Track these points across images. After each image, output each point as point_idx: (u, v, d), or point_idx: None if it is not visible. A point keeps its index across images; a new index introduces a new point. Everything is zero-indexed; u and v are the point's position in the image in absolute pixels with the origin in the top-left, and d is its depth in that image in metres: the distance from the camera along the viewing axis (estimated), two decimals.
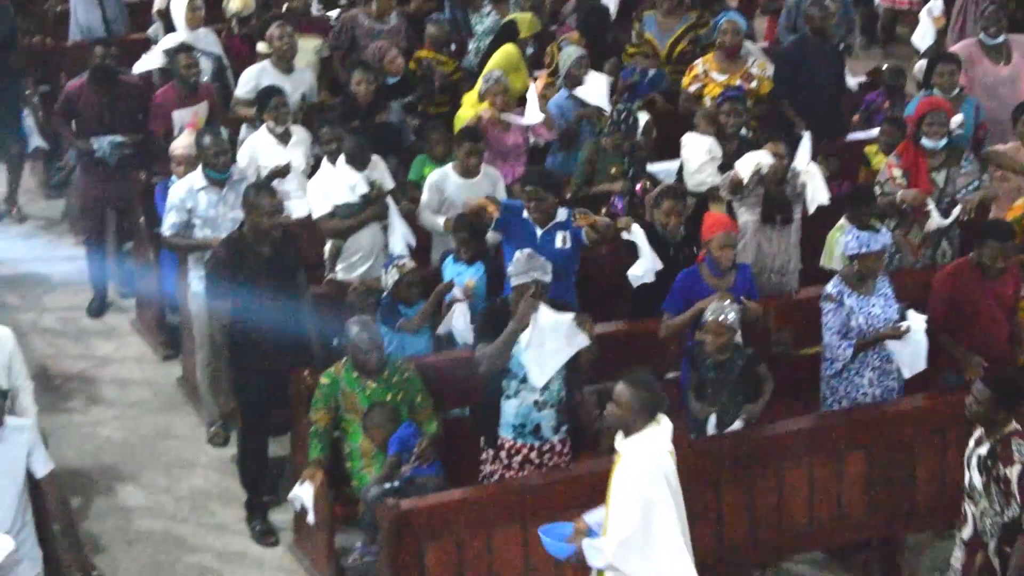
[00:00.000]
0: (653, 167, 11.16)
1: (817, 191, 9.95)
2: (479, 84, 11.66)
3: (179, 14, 12.38)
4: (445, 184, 10.24)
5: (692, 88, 12.04)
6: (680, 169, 10.98)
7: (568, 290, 9.31)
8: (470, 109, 11.68)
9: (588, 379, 8.62)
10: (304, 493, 8.49)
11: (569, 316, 8.16)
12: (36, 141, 12.87)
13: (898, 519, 8.86)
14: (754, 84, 12.01)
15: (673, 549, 7.00)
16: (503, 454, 8.33)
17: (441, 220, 10.16)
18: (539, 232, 9.33)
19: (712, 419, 8.52)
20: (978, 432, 7.62)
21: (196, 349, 10.13)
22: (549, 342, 8.08)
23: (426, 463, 8.50)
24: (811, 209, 9.99)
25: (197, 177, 9.82)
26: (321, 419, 8.53)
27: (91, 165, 11.55)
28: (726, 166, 10.32)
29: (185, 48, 11.74)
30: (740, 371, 8.56)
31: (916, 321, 8.80)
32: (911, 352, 8.87)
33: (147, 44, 12.98)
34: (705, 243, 9.04)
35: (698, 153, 10.78)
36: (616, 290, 9.91)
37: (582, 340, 8.19)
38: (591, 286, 9.90)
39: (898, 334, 8.79)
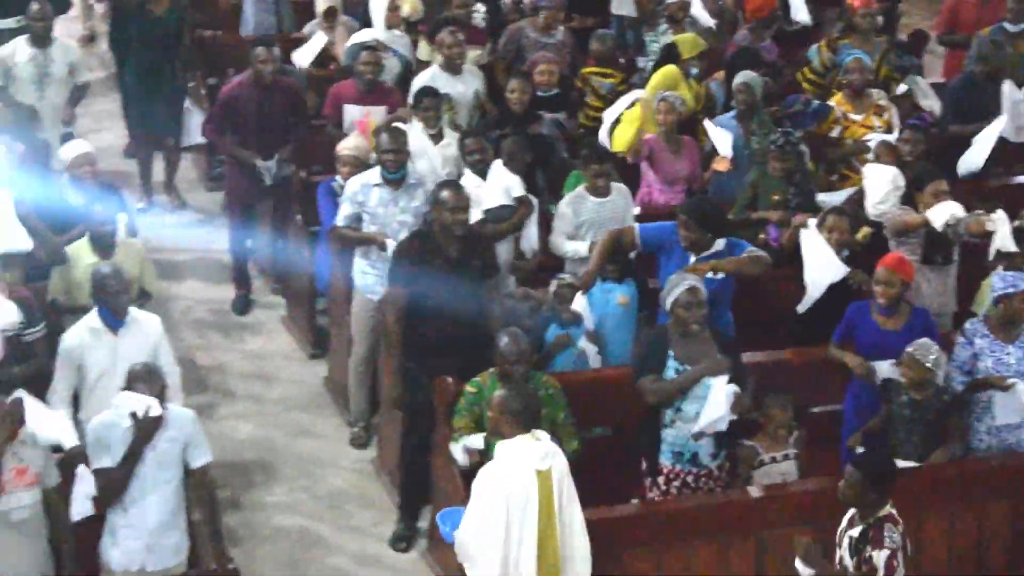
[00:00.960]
0: (823, 197, 10.97)
1: (1004, 238, 9.69)
2: (640, 103, 11.61)
3: (378, 12, 12.46)
4: (580, 207, 10.15)
5: (834, 132, 11.84)
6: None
7: (724, 316, 9.18)
8: (629, 127, 11.61)
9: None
10: (474, 441, 8.30)
11: (732, 391, 8.13)
12: (197, 136, 13.01)
13: None
14: (886, 116, 11.81)
15: (485, 561, 7.45)
16: (661, 479, 8.31)
17: (577, 245, 10.05)
18: (692, 260, 9.22)
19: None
20: (851, 512, 7.38)
21: (354, 345, 10.12)
22: (715, 405, 8.10)
23: None
24: (991, 255, 9.73)
25: (373, 174, 9.89)
26: (464, 427, 8.44)
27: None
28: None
29: (369, 47, 11.75)
30: (937, 413, 8.46)
31: None
32: (1012, 406, 8.67)
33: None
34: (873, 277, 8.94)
35: (882, 182, 10.50)
36: (777, 315, 9.79)
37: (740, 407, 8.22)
38: (751, 311, 9.71)
39: (1003, 385, 8.60)
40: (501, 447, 7.50)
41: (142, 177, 13.35)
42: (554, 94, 12.02)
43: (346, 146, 10.65)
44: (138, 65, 12.93)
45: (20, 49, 11.94)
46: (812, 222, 9.76)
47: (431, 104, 10.99)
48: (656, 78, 12.17)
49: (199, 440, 7.86)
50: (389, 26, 12.58)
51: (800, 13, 14.24)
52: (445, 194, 9.04)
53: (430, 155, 10.83)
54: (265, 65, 11.35)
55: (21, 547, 7.57)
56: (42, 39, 11.96)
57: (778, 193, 10.68)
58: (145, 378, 7.68)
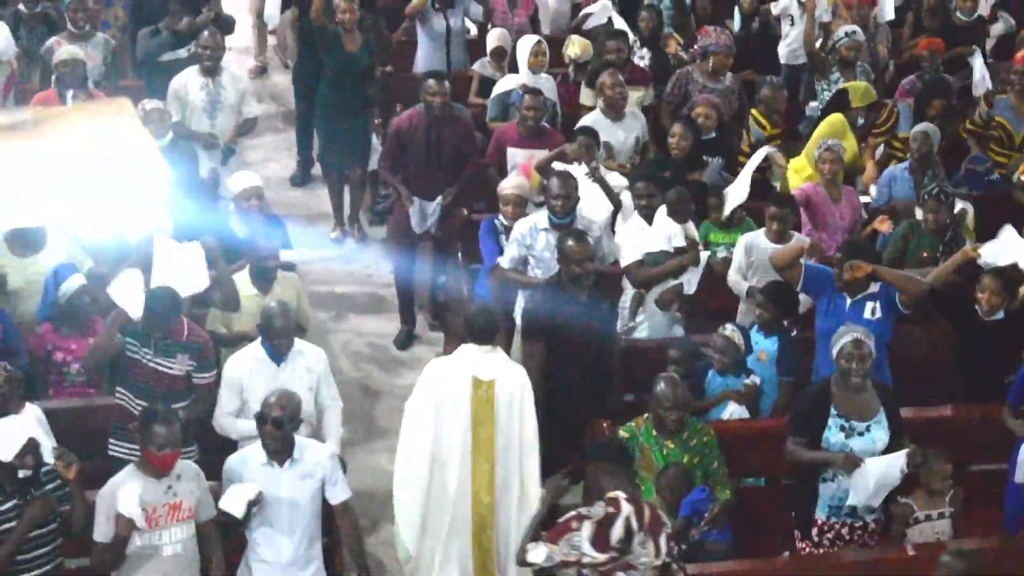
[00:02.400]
0: (986, 257, 10.74)
1: None
2: (809, 150, 11.52)
3: (523, 56, 12.52)
4: (754, 248, 10.18)
5: None
6: None
7: (880, 364, 9.02)
8: (795, 175, 11.53)
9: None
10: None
11: (900, 458, 8.08)
12: (371, 165, 13.14)
13: None
14: None
15: (403, 452, 8.37)
16: (814, 531, 8.24)
17: (746, 285, 10.10)
18: (848, 301, 9.16)
19: None
20: None
21: None
22: (875, 477, 8.10)
23: (717, 529, 8.37)
24: None
25: (541, 217, 9.95)
26: None
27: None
28: None
29: (532, 90, 11.77)
30: None
31: None
32: None
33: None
34: None
35: None
36: (947, 368, 9.63)
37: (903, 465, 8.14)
38: (918, 362, 9.63)
39: None
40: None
41: (334, 208, 13.52)
42: (712, 137, 11.97)
43: (508, 185, 10.70)
44: (330, 99, 13.06)
45: (192, 79, 12.15)
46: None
47: (586, 143, 11.02)
48: (822, 127, 12.05)
49: (337, 477, 7.95)
50: (533, 70, 12.61)
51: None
52: (570, 245, 9.07)
53: (590, 195, 10.80)
54: (435, 97, 11.43)
55: None
56: (212, 68, 12.18)
57: (927, 250, 10.49)
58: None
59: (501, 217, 10.58)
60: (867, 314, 9.09)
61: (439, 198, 11.48)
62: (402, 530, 8.47)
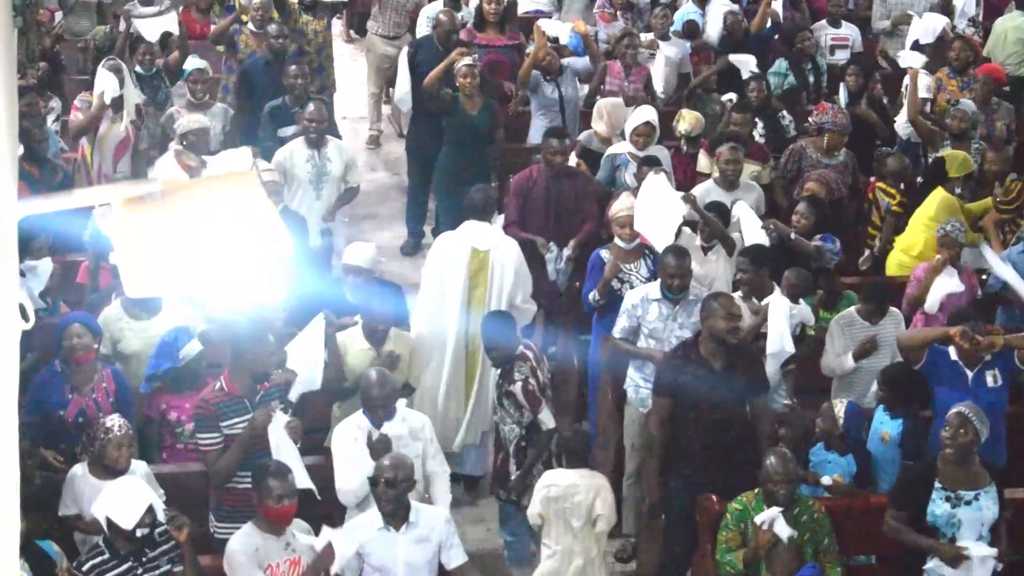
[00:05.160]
0: None
1: None
2: (915, 226, 11.47)
3: (628, 131, 12.50)
4: (849, 329, 10.17)
5: None
6: None
7: (997, 437, 8.96)
8: (902, 254, 11.48)
9: None
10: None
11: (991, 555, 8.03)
12: None
13: None
14: None
15: (420, 301, 10.45)
16: None
17: (843, 361, 10.10)
18: (970, 375, 9.10)
19: None
20: None
21: (627, 459, 10.10)
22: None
23: None
24: None
25: (654, 288, 9.91)
26: (732, 540, 8.42)
27: None
28: None
29: (648, 161, 11.80)
30: None
31: None
32: None
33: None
34: None
35: None
36: None
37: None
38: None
39: None
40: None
41: None
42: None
43: (623, 208, 10.68)
44: (450, 164, 13.15)
45: (297, 151, 12.22)
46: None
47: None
48: (932, 205, 11.89)
49: (453, 541, 7.98)
50: (640, 148, 12.56)
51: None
52: (718, 303, 9.03)
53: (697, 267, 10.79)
54: (555, 156, 11.59)
55: None
56: (317, 140, 12.26)
57: None
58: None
59: (603, 251, 10.63)
60: (990, 382, 9.07)
61: (566, 250, 11.57)
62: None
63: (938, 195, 11.94)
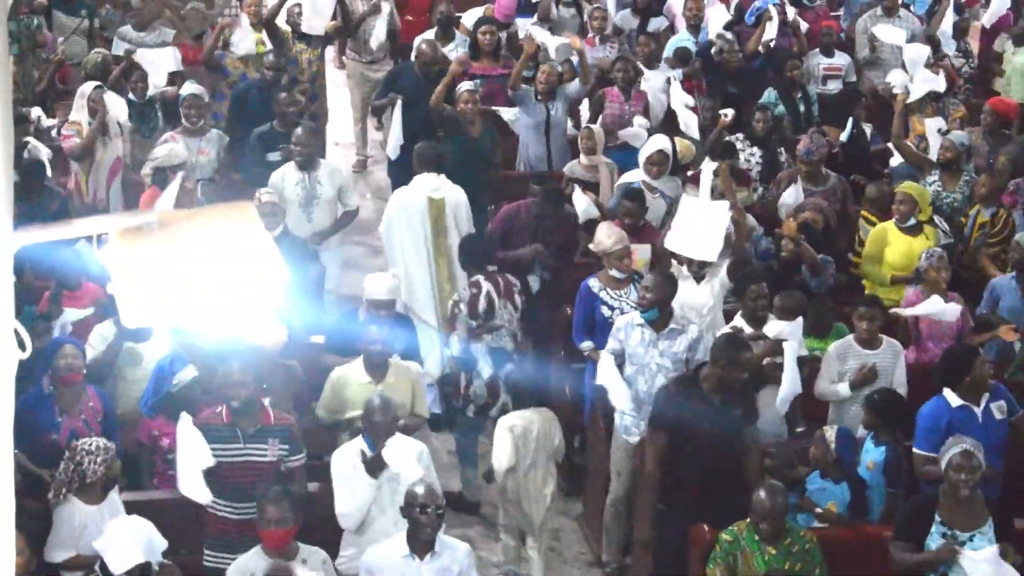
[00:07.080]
0: None
1: None
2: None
3: (641, 160, 12.45)
4: (847, 354, 10.11)
5: None
6: None
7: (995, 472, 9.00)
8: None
9: None
10: None
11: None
12: None
13: None
14: None
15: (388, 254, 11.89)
16: None
17: (838, 388, 10.06)
18: (979, 411, 9.13)
19: None
20: None
21: (612, 485, 10.06)
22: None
23: None
24: None
25: (636, 314, 9.89)
26: (721, 573, 8.43)
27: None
28: None
29: (633, 192, 11.85)
30: None
31: None
32: None
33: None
34: None
35: None
36: None
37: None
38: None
39: None
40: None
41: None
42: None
43: (610, 242, 10.64)
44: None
45: (288, 174, 12.22)
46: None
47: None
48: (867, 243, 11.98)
49: (474, 574, 8.00)
50: (654, 178, 12.57)
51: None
52: (743, 358, 8.98)
53: (685, 295, 10.73)
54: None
55: None
56: (307, 163, 12.25)
57: None
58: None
59: (591, 281, 10.61)
60: (998, 415, 9.13)
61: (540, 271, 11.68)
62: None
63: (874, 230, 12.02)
